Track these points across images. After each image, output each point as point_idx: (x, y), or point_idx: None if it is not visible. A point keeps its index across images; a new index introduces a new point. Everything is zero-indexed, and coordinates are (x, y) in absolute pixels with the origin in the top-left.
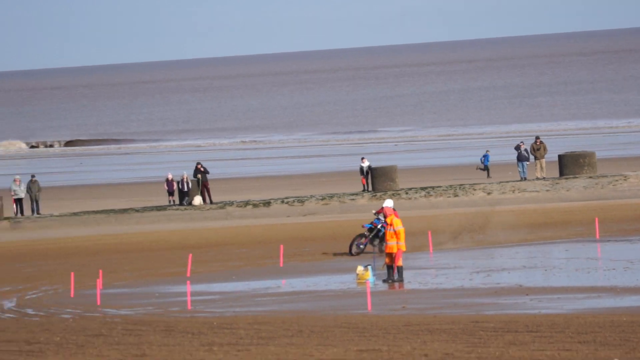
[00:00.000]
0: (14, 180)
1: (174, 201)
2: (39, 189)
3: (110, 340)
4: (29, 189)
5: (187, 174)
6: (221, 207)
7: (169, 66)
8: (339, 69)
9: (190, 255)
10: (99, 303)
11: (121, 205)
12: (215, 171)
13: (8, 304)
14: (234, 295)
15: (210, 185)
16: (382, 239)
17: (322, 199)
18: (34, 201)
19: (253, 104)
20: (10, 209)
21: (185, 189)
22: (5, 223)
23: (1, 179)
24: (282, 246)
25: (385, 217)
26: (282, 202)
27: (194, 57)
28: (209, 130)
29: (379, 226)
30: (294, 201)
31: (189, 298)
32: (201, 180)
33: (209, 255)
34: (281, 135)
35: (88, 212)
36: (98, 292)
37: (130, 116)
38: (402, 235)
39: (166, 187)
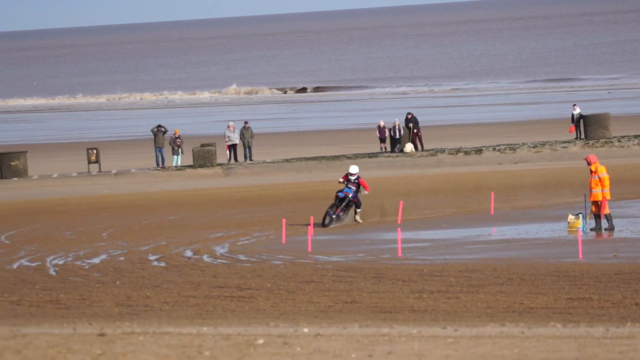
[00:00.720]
0: (228, 127)
1: (385, 148)
2: (252, 135)
3: (321, 287)
4: (242, 135)
5: (399, 121)
6: (432, 155)
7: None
8: (520, 17)
9: (401, 202)
10: (309, 250)
11: (333, 152)
12: (425, 118)
13: (220, 250)
14: (444, 242)
15: (422, 133)
16: (349, 207)
17: (533, 147)
18: (247, 147)
19: (436, 52)
20: (224, 155)
21: (397, 136)
22: (218, 169)
23: (217, 125)
24: (492, 194)
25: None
26: (494, 149)
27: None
28: (407, 78)
29: (350, 195)
30: (505, 149)
31: (399, 245)
32: (412, 128)
33: (419, 202)
34: (485, 83)
35: (300, 159)
36: (309, 238)
37: (334, 64)
38: (607, 183)
39: (378, 134)
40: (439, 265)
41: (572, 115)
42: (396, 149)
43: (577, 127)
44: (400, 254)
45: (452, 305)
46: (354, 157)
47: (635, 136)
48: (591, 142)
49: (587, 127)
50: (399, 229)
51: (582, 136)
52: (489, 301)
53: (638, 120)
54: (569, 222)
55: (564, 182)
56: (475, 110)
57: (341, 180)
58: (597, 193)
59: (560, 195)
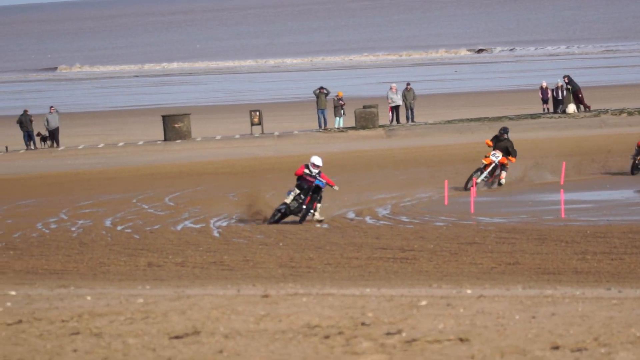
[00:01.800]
0: (390, 88)
1: (548, 109)
2: (414, 97)
3: (484, 248)
4: (404, 97)
5: (561, 81)
6: (595, 115)
7: None
8: None
9: (564, 163)
10: (472, 211)
11: (495, 114)
12: (588, 79)
13: (383, 212)
14: (608, 204)
15: (584, 93)
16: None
17: None
18: (409, 109)
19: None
20: (386, 117)
21: (560, 97)
22: (380, 131)
23: (378, 87)
24: None
25: None
26: None
27: None
28: (563, 41)
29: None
30: None
31: (562, 206)
32: (572, 89)
33: (581, 162)
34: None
35: (462, 120)
36: (472, 200)
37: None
38: None
39: (540, 95)
40: (602, 226)
41: None
42: (559, 110)
43: None
44: (563, 215)
45: (616, 267)
46: (516, 118)
47: None
48: None
49: None
50: (561, 190)
51: None
52: None
53: None
54: None
55: None
56: (637, 70)
57: (305, 173)
58: None
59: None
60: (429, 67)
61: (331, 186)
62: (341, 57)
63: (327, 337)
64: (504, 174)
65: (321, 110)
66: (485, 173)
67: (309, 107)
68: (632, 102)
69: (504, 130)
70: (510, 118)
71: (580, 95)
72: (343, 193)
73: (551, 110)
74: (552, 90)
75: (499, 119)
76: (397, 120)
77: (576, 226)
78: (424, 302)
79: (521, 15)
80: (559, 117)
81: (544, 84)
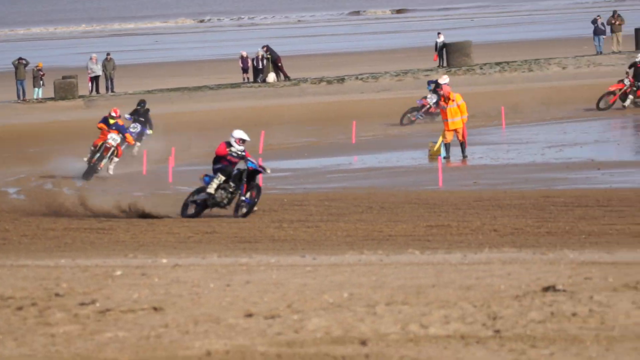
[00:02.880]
0: (90, 59)
1: (248, 78)
2: (114, 67)
3: (181, 218)
4: (104, 67)
5: (261, 51)
6: (295, 84)
7: None
8: None
9: (263, 132)
10: (170, 180)
11: (195, 83)
12: (287, 48)
13: (80, 183)
14: (305, 172)
15: (284, 62)
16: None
17: (396, 75)
18: (109, 79)
19: None
20: (86, 88)
21: (260, 67)
22: (79, 101)
23: (79, 58)
24: (354, 122)
25: (442, 96)
26: (356, 78)
27: None
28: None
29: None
30: (367, 77)
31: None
32: (272, 58)
33: (281, 132)
34: (336, 11)
35: (162, 90)
36: (170, 169)
37: None
38: (465, 109)
39: (241, 65)
40: (300, 194)
41: (436, 43)
42: (259, 79)
43: (440, 55)
44: (260, 184)
45: (312, 234)
46: (217, 88)
47: (497, 63)
48: (453, 69)
49: (450, 55)
50: (259, 158)
51: (445, 64)
52: (348, 230)
53: (499, 47)
54: (429, 149)
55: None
56: (338, 39)
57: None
58: (458, 121)
59: (418, 124)
60: (129, 37)
61: (263, 170)
62: (43, 27)
63: (20, 308)
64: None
65: (20, 81)
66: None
67: (6, 78)
68: (331, 71)
69: (142, 104)
70: (210, 88)
71: (279, 65)
72: (41, 164)
73: (251, 79)
74: (252, 60)
75: (199, 88)
76: (97, 91)
77: (273, 194)
78: (119, 272)
79: None
80: (259, 86)
81: (244, 54)
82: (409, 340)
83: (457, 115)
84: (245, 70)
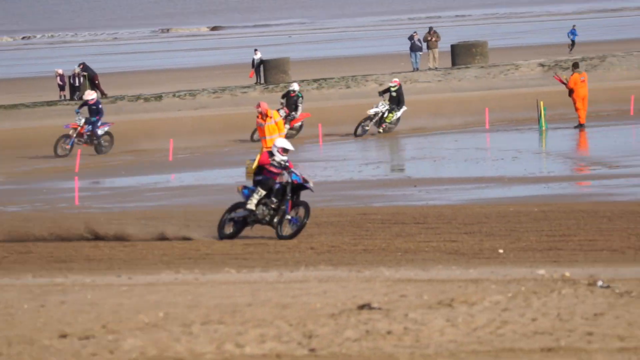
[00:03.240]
0: None
1: (65, 96)
2: None
3: None
4: None
5: (77, 69)
6: (112, 102)
7: None
8: None
9: (80, 150)
10: None
11: (11, 101)
12: (103, 65)
13: None
14: (123, 190)
15: (101, 80)
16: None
17: (213, 92)
18: None
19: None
20: None
21: (77, 84)
22: None
23: None
24: (171, 140)
25: (260, 113)
26: (174, 95)
27: None
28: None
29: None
30: (185, 94)
31: (76, 194)
32: (88, 76)
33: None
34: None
35: None
36: None
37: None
38: (282, 125)
39: (59, 82)
40: (118, 212)
41: (253, 60)
42: (75, 97)
43: (257, 72)
44: (77, 202)
45: (129, 254)
46: (32, 106)
47: (315, 80)
48: (271, 86)
49: (267, 71)
50: (76, 177)
51: (262, 81)
52: (165, 248)
53: (317, 64)
54: (246, 167)
55: (244, 127)
56: (155, 57)
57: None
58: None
59: (239, 141)
60: None
61: (306, 184)
62: None
63: None
64: None
65: None
66: None
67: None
68: (148, 89)
69: None
70: (27, 106)
71: (97, 82)
72: None
73: (68, 97)
74: (69, 77)
75: (15, 106)
76: None
77: (90, 213)
78: None
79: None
80: (75, 103)
81: (60, 71)
82: (225, 359)
83: (274, 133)
84: (62, 87)
